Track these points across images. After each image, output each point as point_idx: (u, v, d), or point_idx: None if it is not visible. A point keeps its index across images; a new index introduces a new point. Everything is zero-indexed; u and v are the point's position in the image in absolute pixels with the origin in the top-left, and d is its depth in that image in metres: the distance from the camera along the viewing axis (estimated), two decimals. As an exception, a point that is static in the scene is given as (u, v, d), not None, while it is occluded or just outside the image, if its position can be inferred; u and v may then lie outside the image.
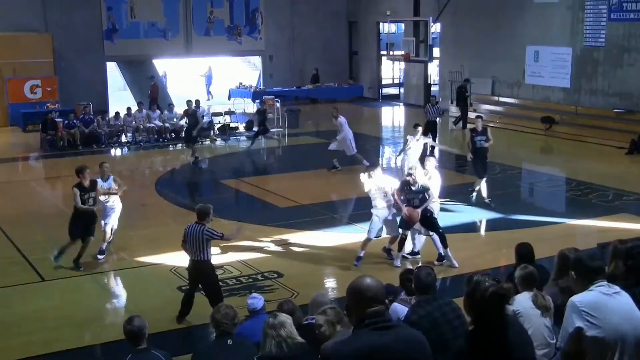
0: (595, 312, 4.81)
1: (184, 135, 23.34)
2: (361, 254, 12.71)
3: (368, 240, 12.75)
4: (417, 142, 16.93)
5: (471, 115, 26.54)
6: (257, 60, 38.90)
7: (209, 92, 38.94)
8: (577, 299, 4.93)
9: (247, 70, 43.68)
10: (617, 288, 4.98)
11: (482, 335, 4.49)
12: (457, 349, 4.65)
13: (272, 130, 24.62)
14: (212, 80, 40.19)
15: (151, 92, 31.65)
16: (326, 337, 5.81)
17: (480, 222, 15.52)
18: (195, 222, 10.17)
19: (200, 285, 10.37)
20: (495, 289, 4.46)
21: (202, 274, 10.18)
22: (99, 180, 13.01)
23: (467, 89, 27.66)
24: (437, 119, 22.96)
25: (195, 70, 43.41)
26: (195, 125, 22.05)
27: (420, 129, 17.11)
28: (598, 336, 4.79)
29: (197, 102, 27.05)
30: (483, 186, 16.44)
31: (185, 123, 22.95)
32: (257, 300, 7.90)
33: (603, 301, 4.86)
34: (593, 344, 4.81)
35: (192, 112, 22.22)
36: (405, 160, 16.57)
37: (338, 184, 18.88)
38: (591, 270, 5.03)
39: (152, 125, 25.57)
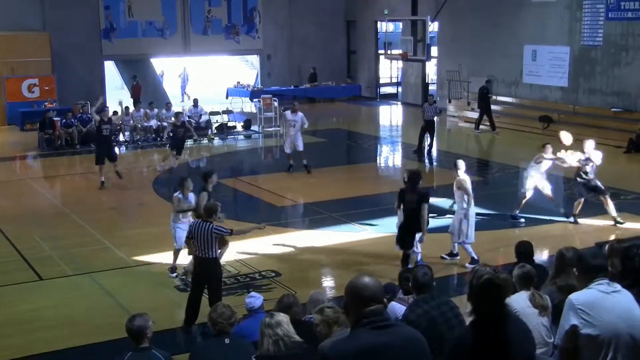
0: (591, 310, 4.82)
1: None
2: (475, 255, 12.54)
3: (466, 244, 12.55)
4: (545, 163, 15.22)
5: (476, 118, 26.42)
6: (255, 59, 38.88)
7: (184, 94, 38.23)
8: (574, 296, 4.94)
9: (245, 69, 43.69)
10: (617, 286, 4.98)
11: (480, 326, 4.50)
12: (456, 338, 4.66)
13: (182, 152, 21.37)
14: (187, 82, 39.27)
15: (133, 92, 31.25)
16: (323, 337, 5.82)
17: (479, 221, 15.49)
18: (201, 219, 10.18)
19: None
20: (489, 277, 4.46)
21: (208, 271, 10.05)
22: (180, 196, 12.28)
23: (490, 90, 26.70)
24: (435, 118, 22.93)
25: (193, 69, 43.46)
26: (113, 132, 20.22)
27: (549, 147, 15.20)
28: (592, 334, 4.80)
29: (195, 101, 27.13)
30: (611, 208, 14.86)
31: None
32: (254, 299, 7.88)
33: (599, 299, 4.87)
34: (587, 341, 4.82)
35: (108, 120, 19.40)
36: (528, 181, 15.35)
37: (336, 183, 18.88)
38: (592, 268, 5.05)
39: (150, 124, 25.57)
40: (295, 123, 19.66)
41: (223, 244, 11.01)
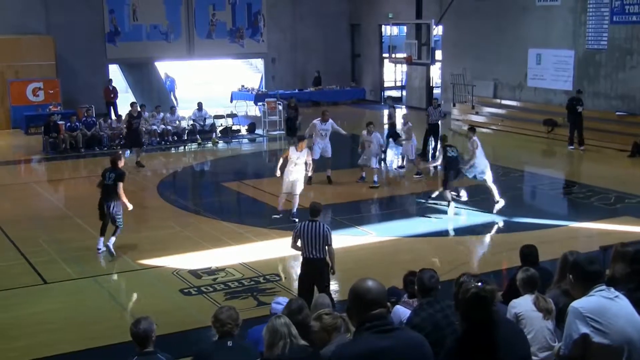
0: (600, 318, 4.70)
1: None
2: None
3: None
4: None
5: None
6: (259, 62, 38.89)
7: (174, 98, 36.99)
8: (579, 304, 4.80)
9: (250, 72, 43.71)
10: (616, 292, 4.88)
11: (469, 336, 4.50)
12: (446, 348, 4.67)
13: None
14: (175, 86, 38.12)
15: (104, 95, 30.35)
16: (322, 344, 5.80)
17: (483, 224, 15.48)
18: (308, 220, 10.24)
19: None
20: (476, 290, 4.47)
21: (319, 271, 10.09)
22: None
23: (582, 101, 23.69)
24: (439, 122, 22.92)
25: (198, 74, 43.54)
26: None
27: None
28: (605, 342, 4.67)
29: (200, 104, 27.11)
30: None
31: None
32: (282, 306, 7.65)
33: (606, 306, 4.76)
34: (600, 350, 4.69)
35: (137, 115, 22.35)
36: None
37: (340, 186, 18.86)
38: (589, 274, 4.91)
39: (154, 127, 25.59)
40: (327, 132, 19.15)
41: None
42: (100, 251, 13.54)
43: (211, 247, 13.99)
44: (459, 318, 4.61)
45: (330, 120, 19.34)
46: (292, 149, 15.75)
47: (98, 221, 15.64)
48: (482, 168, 16.35)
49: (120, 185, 13.38)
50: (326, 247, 10.07)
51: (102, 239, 13.57)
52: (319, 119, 19.32)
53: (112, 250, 13.35)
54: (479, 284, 4.52)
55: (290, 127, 23.52)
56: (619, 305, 4.81)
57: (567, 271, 5.21)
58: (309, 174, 16.47)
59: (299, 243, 10.22)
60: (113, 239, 13.42)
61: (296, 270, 12.72)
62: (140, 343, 6.40)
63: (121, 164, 13.88)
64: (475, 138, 16.65)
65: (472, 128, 17.52)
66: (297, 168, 15.63)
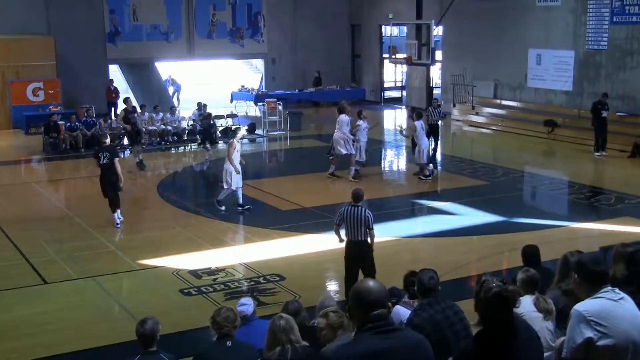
0: (604, 321, 4.61)
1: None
2: None
3: None
4: None
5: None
6: (259, 63, 38.86)
7: (178, 100, 36.99)
8: (582, 307, 4.70)
9: (250, 72, 43.70)
10: (621, 293, 4.79)
11: (487, 336, 4.48)
12: (462, 349, 4.65)
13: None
14: (179, 88, 38.29)
15: (106, 96, 30.19)
16: (327, 341, 5.81)
17: (484, 225, 15.47)
18: (350, 204, 10.71)
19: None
20: (497, 290, 4.46)
21: (362, 253, 10.67)
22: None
23: (607, 105, 22.45)
24: (439, 122, 22.91)
25: (198, 74, 43.50)
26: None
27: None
28: (609, 345, 4.60)
29: (199, 104, 27.07)
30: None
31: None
32: (247, 306, 7.68)
33: (610, 308, 4.67)
34: (605, 352, 4.62)
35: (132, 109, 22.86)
36: None
37: (340, 186, 18.86)
38: (595, 275, 4.81)
39: (154, 127, 25.58)
40: (365, 130, 20.22)
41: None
42: (118, 225, 15.26)
43: (211, 247, 13.99)
44: (479, 317, 4.59)
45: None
46: (235, 141, 16.51)
47: (98, 222, 15.72)
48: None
49: (116, 160, 15.09)
50: (368, 231, 10.60)
51: (115, 214, 15.24)
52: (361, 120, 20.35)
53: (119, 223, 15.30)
54: (501, 284, 4.51)
55: (205, 136, 24.11)
56: (624, 308, 4.73)
57: (572, 270, 5.14)
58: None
59: (342, 227, 10.76)
60: (116, 215, 15.25)
61: (297, 270, 12.77)
62: (146, 343, 6.39)
63: (107, 140, 15.43)
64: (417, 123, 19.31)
65: (419, 114, 19.98)
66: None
